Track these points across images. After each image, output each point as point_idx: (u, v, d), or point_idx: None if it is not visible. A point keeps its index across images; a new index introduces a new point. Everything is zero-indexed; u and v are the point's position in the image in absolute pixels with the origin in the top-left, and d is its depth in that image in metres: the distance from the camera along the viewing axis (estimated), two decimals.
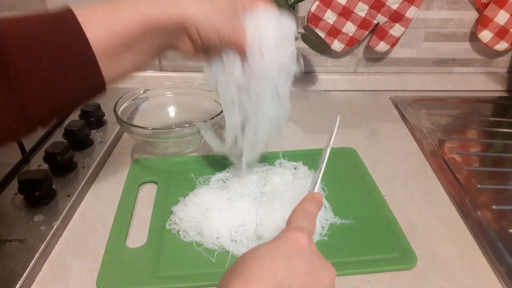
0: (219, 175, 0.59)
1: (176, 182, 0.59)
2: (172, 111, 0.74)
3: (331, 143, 0.47)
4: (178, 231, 0.50)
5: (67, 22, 0.34)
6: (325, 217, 0.51)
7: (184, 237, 0.49)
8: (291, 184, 0.55)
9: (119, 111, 0.65)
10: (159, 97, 0.73)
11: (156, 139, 0.63)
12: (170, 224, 0.51)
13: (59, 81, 0.33)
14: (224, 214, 0.49)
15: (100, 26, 0.35)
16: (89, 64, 0.34)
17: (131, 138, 0.66)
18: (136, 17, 0.36)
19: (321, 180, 0.46)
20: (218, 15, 0.40)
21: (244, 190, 0.54)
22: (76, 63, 0.34)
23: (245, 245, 0.47)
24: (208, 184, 0.57)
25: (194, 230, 0.49)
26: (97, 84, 0.36)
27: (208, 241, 0.48)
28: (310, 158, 0.62)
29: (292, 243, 0.31)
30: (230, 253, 0.47)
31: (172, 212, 0.53)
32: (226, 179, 0.58)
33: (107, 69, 0.35)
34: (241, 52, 0.44)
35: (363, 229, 0.51)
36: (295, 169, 0.60)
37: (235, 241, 0.48)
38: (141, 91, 0.72)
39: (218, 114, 0.64)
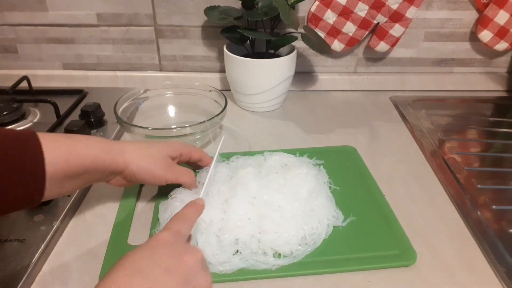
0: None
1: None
2: (172, 111, 0.74)
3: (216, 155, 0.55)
4: None
5: (29, 142, 0.39)
6: (329, 216, 0.51)
7: None
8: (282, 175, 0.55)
9: (119, 111, 0.65)
10: (159, 97, 0.74)
11: (156, 138, 0.63)
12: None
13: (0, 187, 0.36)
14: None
15: (58, 154, 0.40)
16: (37, 183, 0.38)
17: (132, 138, 0.66)
18: (89, 156, 0.43)
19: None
20: (156, 163, 0.49)
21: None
22: (25, 178, 0.38)
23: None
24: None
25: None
26: (33, 201, 0.39)
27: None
28: (309, 157, 0.62)
29: (156, 240, 0.36)
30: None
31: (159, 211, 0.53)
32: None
33: (49, 190, 0.40)
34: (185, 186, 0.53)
35: (363, 226, 0.51)
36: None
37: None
38: (141, 91, 0.72)
39: (218, 114, 0.64)
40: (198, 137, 0.64)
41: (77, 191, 0.55)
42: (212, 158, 0.56)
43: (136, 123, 0.64)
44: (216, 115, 0.63)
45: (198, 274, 0.35)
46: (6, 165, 0.37)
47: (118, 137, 0.71)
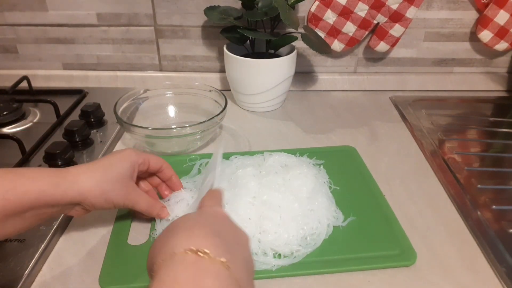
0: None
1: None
2: (171, 111, 0.74)
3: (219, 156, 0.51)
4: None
5: None
6: (329, 216, 0.51)
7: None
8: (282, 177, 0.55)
9: (119, 111, 0.65)
10: (158, 97, 0.73)
11: (156, 138, 0.63)
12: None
13: None
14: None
15: None
16: None
17: (132, 138, 0.66)
18: (33, 191, 0.38)
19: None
20: (114, 189, 0.44)
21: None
22: None
23: None
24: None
25: None
26: None
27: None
28: (309, 157, 0.62)
29: (216, 213, 0.38)
30: None
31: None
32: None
33: None
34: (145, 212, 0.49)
35: (363, 227, 0.51)
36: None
37: None
38: (141, 91, 0.72)
39: (218, 114, 0.64)
40: (198, 137, 0.64)
41: None
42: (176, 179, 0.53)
43: (136, 123, 0.64)
44: (216, 115, 0.63)
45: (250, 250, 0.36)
46: None
47: (118, 137, 0.71)
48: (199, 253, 0.29)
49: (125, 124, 0.62)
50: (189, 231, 0.32)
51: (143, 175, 0.52)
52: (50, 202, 0.40)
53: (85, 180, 0.42)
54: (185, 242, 0.30)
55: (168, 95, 0.74)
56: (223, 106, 0.66)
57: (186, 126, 0.61)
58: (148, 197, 0.49)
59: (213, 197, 0.42)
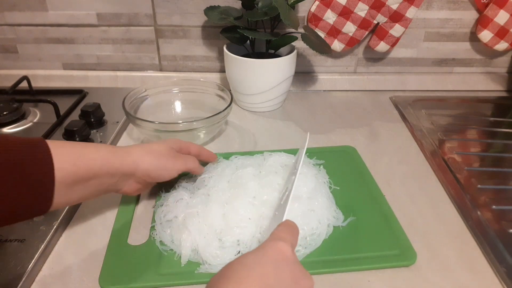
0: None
1: (177, 179, 0.58)
2: (177, 108, 0.75)
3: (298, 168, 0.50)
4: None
5: (38, 147, 0.38)
6: (329, 216, 0.51)
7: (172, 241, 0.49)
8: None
9: (127, 106, 0.66)
10: (164, 93, 0.74)
11: (164, 132, 0.64)
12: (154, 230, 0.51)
13: (10, 196, 0.36)
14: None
15: (67, 158, 0.40)
16: (46, 189, 0.38)
17: (140, 132, 0.66)
18: (98, 159, 0.43)
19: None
20: (163, 154, 0.50)
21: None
22: (34, 185, 0.37)
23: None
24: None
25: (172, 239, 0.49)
26: (43, 208, 0.39)
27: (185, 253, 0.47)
28: (309, 157, 0.63)
29: (277, 252, 0.34)
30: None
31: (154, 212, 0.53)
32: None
33: (58, 196, 0.39)
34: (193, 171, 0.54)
35: (363, 227, 0.51)
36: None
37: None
38: (143, 90, 0.72)
39: (224, 110, 0.64)
40: (204, 131, 0.64)
41: None
42: (211, 153, 0.58)
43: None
44: (222, 111, 0.64)
45: None
46: (15, 171, 0.36)
47: (118, 137, 0.71)
48: None
49: (134, 118, 0.63)
50: (240, 283, 0.30)
51: None
52: (112, 169, 0.44)
53: (137, 151, 0.48)
54: None
55: (174, 91, 0.75)
56: (228, 102, 0.67)
57: (192, 121, 0.62)
58: (193, 158, 0.54)
59: (289, 231, 0.38)
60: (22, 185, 0.36)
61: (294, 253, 0.36)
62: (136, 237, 0.50)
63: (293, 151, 0.63)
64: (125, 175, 0.47)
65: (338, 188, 0.57)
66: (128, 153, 0.47)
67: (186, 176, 0.59)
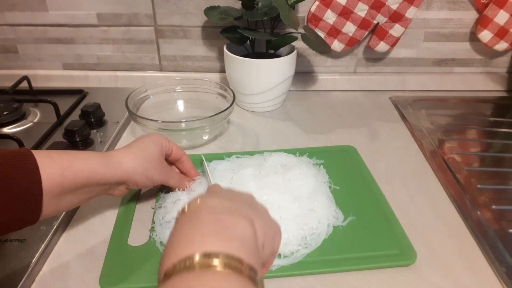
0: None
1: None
2: (180, 107, 0.76)
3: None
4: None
5: (25, 159, 0.38)
6: (329, 216, 0.51)
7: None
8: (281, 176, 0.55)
9: (130, 106, 0.66)
10: (162, 95, 0.74)
11: (166, 131, 0.64)
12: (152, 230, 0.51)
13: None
14: None
15: (54, 169, 0.39)
16: (34, 200, 0.38)
17: (143, 131, 0.66)
18: (86, 170, 0.42)
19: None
20: (154, 167, 0.49)
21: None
22: (22, 197, 0.37)
23: None
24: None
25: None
26: (32, 219, 0.39)
27: None
28: (309, 157, 0.63)
29: (214, 187, 0.42)
30: None
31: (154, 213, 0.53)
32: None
33: (47, 207, 0.39)
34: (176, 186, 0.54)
35: (363, 226, 0.51)
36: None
37: None
38: (144, 90, 0.72)
39: (226, 109, 0.64)
40: (207, 130, 0.65)
41: None
42: (193, 168, 0.57)
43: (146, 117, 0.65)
44: (224, 110, 0.64)
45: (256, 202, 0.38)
46: (2, 184, 0.36)
47: (118, 137, 0.71)
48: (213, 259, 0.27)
49: (137, 117, 0.63)
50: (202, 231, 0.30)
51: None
52: (101, 180, 0.44)
53: (129, 160, 0.47)
54: (195, 247, 0.28)
55: (177, 91, 0.75)
56: (230, 101, 0.67)
57: (195, 120, 0.62)
58: (178, 173, 0.55)
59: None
60: (10, 197, 0.36)
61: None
62: (136, 237, 0.50)
63: (293, 151, 0.63)
64: (117, 183, 0.47)
65: (338, 187, 0.57)
66: (120, 163, 0.46)
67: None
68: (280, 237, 0.37)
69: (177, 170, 0.57)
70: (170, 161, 0.55)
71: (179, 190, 0.54)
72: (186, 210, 0.33)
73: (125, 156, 0.47)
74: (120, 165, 0.46)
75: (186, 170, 0.56)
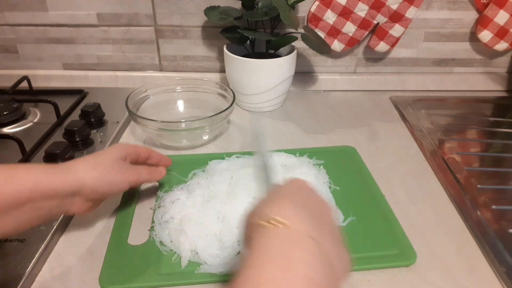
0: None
1: (177, 180, 0.58)
2: (180, 107, 0.76)
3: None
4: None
5: None
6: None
7: (171, 241, 0.48)
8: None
9: (130, 106, 0.66)
10: (163, 95, 0.74)
11: (166, 131, 0.64)
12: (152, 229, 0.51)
13: None
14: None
15: None
16: None
17: (143, 131, 0.66)
18: (28, 181, 0.37)
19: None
20: (112, 168, 0.45)
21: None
22: None
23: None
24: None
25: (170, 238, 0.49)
26: None
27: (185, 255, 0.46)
28: (309, 157, 0.63)
29: (302, 184, 0.37)
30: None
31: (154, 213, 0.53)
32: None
33: None
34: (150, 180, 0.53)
35: (363, 226, 0.51)
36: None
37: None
38: (144, 90, 0.72)
39: (226, 109, 0.64)
40: (207, 130, 0.65)
41: None
42: (163, 156, 0.55)
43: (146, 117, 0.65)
44: (224, 110, 0.64)
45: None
46: None
47: (118, 137, 0.71)
48: (286, 224, 0.29)
49: (137, 117, 0.63)
50: (276, 204, 0.32)
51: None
52: (47, 191, 0.39)
53: (80, 166, 0.43)
54: (272, 213, 0.30)
55: (177, 91, 0.75)
56: (230, 101, 0.67)
57: (195, 120, 0.62)
58: (146, 166, 0.51)
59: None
60: None
61: (310, 183, 0.38)
62: (136, 237, 0.50)
63: (293, 151, 0.63)
64: (67, 195, 0.41)
65: (338, 188, 0.57)
66: (69, 170, 0.42)
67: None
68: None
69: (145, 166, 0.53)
70: (140, 163, 0.52)
71: (156, 181, 0.52)
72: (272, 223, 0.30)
73: (77, 163, 0.43)
74: (69, 172, 0.41)
75: (156, 161, 0.54)
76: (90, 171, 0.43)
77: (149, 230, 0.51)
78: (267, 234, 0.29)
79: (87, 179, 0.42)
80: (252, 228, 0.31)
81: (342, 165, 0.63)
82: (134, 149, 0.51)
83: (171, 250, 0.47)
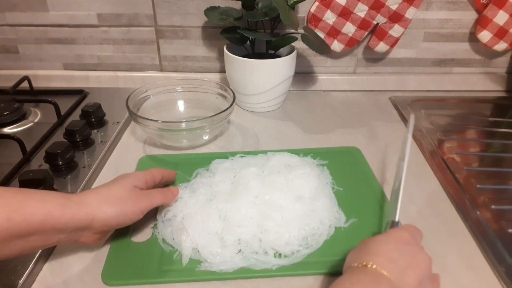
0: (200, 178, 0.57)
1: (181, 178, 0.59)
2: (180, 107, 0.76)
3: (406, 160, 0.53)
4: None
5: None
6: (331, 217, 0.51)
7: (173, 239, 0.49)
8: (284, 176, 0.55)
9: (131, 106, 0.66)
10: (163, 95, 0.74)
11: (166, 131, 0.64)
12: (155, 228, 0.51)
13: None
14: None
15: (0, 213, 0.35)
16: None
17: (143, 131, 0.67)
18: (40, 213, 0.37)
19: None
20: (124, 203, 0.44)
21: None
22: None
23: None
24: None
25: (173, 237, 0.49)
26: None
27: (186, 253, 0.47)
28: (313, 157, 0.63)
29: (400, 235, 0.41)
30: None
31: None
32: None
33: None
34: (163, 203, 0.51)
35: (365, 228, 0.51)
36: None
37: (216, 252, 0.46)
38: (145, 89, 0.72)
39: (227, 109, 0.64)
40: (207, 130, 0.65)
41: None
42: (172, 172, 0.56)
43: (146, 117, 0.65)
44: (224, 110, 0.64)
45: (428, 275, 0.39)
46: None
47: (118, 138, 0.71)
48: (373, 267, 0.36)
49: (138, 117, 0.63)
50: (372, 254, 0.38)
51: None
52: (57, 226, 0.39)
53: (92, 200, 0.42)
54: (365, 260, 0.37)
55: (177, 91, 0.75)
56: (230, 101, 0.67)
57: (195, 120, 0.62)
58: (158, 190, 0.50)
59: (413, 228, 0.44)
60: None
61: (415, 239, 0.41)
62: (139, 234, 0.50)
63: (295, 151, 0.63)
64: (77, 229, 0.41)
65: (341, 189, 0.57)
66: (81, 204, 0.41)
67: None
68: None
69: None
70: (155, 186, 0.52)
71: (168, 204, 0.51)
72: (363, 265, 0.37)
73: (88, 195, 0.42)
74: (80, 205, 0.41)
75: (167, 179, 0.55)
76: (102, 205, 0.42)
77: (152, 227, 0.51)
78: (356, 271, 0.37)
79: (98, 214, 0.42)
80: (351, 267, 0.38)
81: (346, 166, 0.62)
82: (152, 176, 0.50)
83: (173, 247, 0.48)
